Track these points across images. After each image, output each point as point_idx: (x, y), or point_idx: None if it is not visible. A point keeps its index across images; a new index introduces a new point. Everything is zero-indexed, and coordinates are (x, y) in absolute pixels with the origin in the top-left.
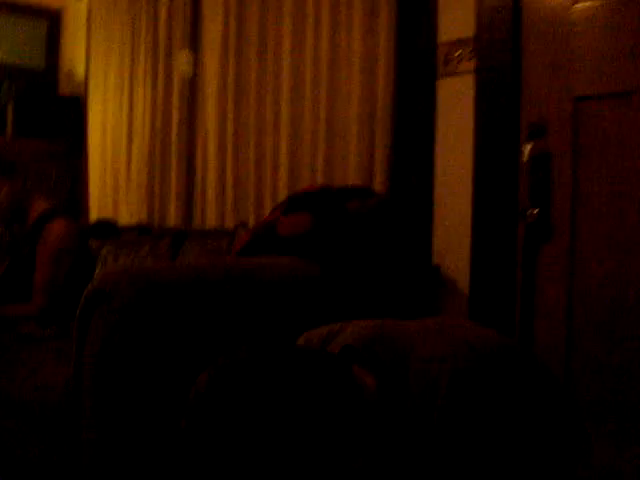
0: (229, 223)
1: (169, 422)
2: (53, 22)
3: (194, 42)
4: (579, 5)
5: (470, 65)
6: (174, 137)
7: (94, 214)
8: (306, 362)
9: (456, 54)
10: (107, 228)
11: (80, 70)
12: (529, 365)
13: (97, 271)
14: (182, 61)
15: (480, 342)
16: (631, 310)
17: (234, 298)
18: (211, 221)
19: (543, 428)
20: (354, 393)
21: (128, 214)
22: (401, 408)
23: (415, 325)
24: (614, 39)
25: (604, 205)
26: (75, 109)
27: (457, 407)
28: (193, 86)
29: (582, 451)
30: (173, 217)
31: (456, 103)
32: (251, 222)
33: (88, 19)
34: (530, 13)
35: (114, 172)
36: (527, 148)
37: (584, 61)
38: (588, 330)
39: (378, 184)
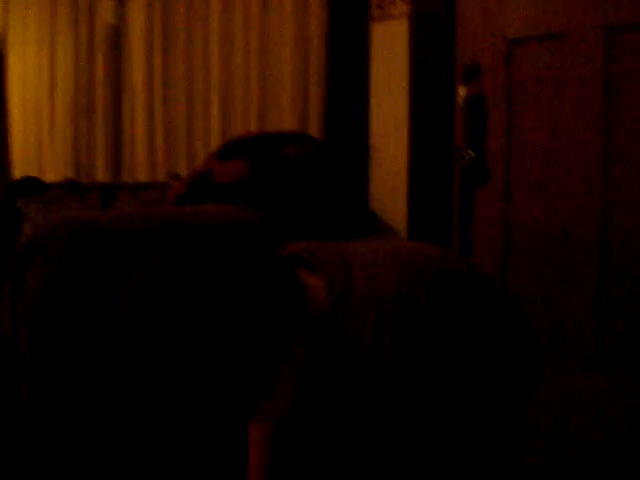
0: (160, 175)
1: (111, 374)
2: None
3: None
4: None
5: (404, 8)
6: (99, 90)
7: (18, 172)
8: (244, 259)
9: None
10: (32, 185)
11: None
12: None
13: (24, 231)
14: (105, 10)
15: (423, 251)
16: (558, 244)
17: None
18: (142, 173)
19: (501, 348)
20: (297, 290)
21: (54, 170)
22: (347, 309)
23: (356, 244)
24: None
25: (537, 147)
26: None
27: (404, 310)
28: (118, 37)
29: (538, 373)
30: (101, 171)
31: (390, 47)
32: (183, 173)
33: None
34: None
35: (37, 128)
36: (462, 91)
37: (517, 3)
38: (522, 267)
39: (313, 130)
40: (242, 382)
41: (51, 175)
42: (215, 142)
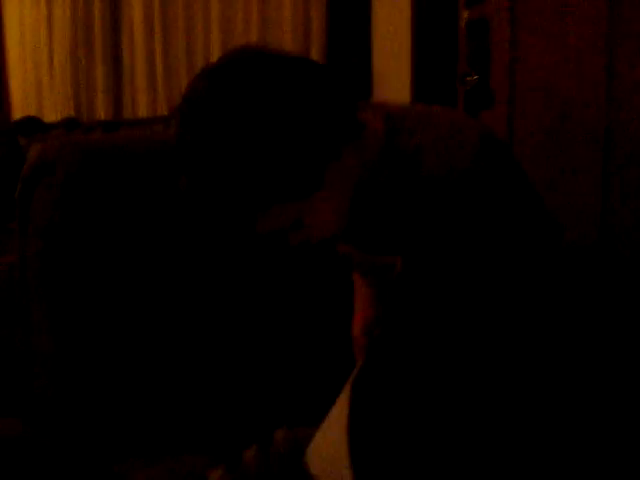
0: (161, 110)
1: (122, 298)
2: None
3: None
4: None
5: None
6: (97, 26)
7: (17, 113)
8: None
9: None
10: (33, 125)
11: None
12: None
13: None
14: None
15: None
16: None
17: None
18: (142, 110)
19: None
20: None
21: (54, 110)
22: None
23: None
24: None
25: (542, 69)
26: None
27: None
28: None
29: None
30: (102, 109)
31: None
32: None
33: None
34: None
35: (36, 67)
36: (465, 14)
37: None
38: None
39: (316, 52)
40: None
41: (51, 115)
42: None
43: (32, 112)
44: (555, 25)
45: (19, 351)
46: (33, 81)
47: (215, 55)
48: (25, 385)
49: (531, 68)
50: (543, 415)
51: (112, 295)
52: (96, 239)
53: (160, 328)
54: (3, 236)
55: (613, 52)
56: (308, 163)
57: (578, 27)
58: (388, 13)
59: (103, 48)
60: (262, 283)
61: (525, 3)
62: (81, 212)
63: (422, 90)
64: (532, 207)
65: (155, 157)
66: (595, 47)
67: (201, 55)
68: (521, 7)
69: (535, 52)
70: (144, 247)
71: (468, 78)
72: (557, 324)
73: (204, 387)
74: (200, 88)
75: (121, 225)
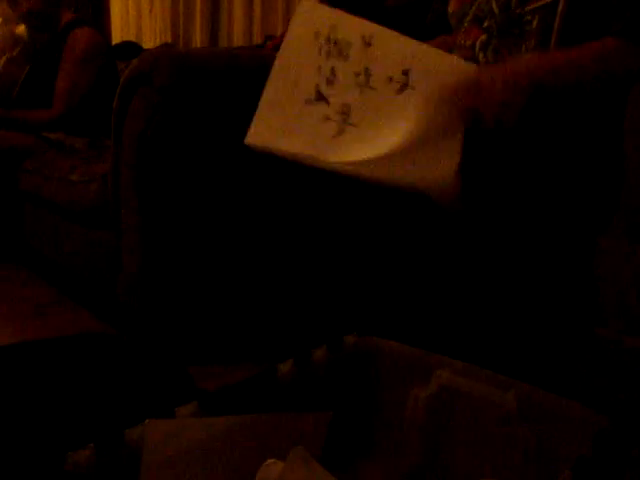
0: (257, 40)
1: (203, 204)
2: None
3: None
4: None
5: None
6: None
7: (117, 37)
8: None
9: None
10: (132, 49)
11: None
12: None
13: None
14: None
15: None
16: None
17: None
18: (238, 39)
19: None
20: None
21: (152, 36)
22: None
23: None
24: None
25: None
26: None
27: None
28: None
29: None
30: (199, 37)
31: None
32: (280, 34)
33: None
34: None
35: None
36: None
37: None
38: None
39: None
40: None
41: (150, 42)
42: None
43: (131, 38)
44: None
45: (110, 254)
46: (133, 7)
47: None
48: (112, 286)
49: None
50: None
51: (196, 201)
52: (185, 148)
53: (235, 230)
54: (101, 150)
55: None
56: None
57: None
58: None
59: None
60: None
61: None
62: (174, 122)
63: None
64: None
65: (246, 73)
66: None
67: None
68: None
69: None
70: (225, 158)
71: None
72: None
73: (276, 286)
74: None
75: (208, 136)
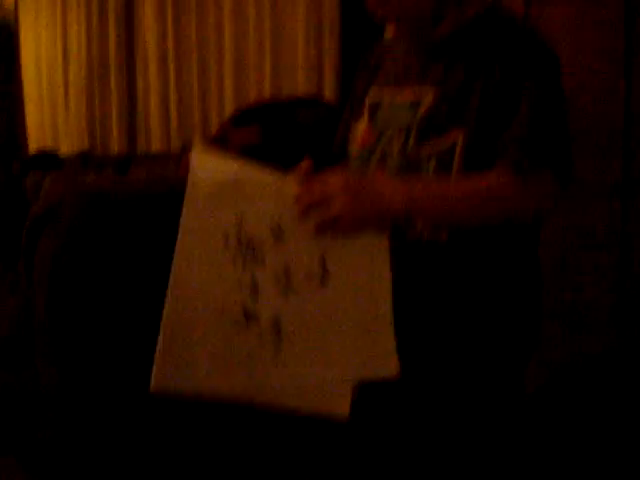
0: (175, 144)
1: (122, 338)
2: None
3: None
4: None
5: None
6: (112, 60)
7: (33, 144)
8: None
9: None
10: (48, 159)
11: None
12: None
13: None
14: None
15: None
16: None
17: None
18: (156, 144)
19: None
20: None
21: (69, 142)
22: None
23: None
24: None
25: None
26: (5, 37)
27: None
28: (130, 5)
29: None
30: (116, 142)
31: None
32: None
33: None
34: None
35: (51, 100)
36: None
37: None
38: None
39: (329, 94)
40: None
41: (66, 146)
42: (229, 110)
43: (48, 143)
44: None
45: (23, 390)
46: (49, 113)
47: (228, 91)
48: (27, 424)
49: None
50: None
51: (113, 337)
52: (98, 282)
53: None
54: (11, 276)
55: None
56: None
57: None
58: None
59: (117, 80)
60: None
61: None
62: (84, 257)
63: None
64: None
65: (158, 201)
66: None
67: (214, 92)
68: None
69: None
70: (143, 288)
71: None
72: None
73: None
74: None
75: (123, 267)
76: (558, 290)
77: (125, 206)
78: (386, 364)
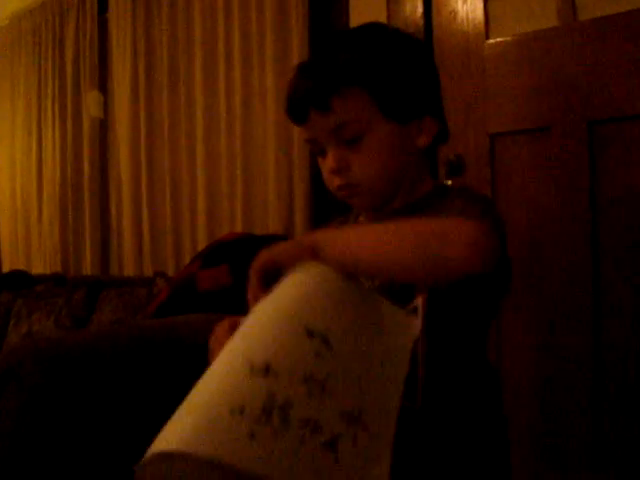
0: (147, 270)
1: None
2: None
3: (103, 83)
4: (491, 41)
5: None
6: (86, 183)
7: (6, 264)
8: None
9: None
10: (20, 279)
11: None
12: None
13: (10, 327)
14: (91, 103)
15: None
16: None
17: (147, 362)
18: (129, 269)
19: None
20: None
21: (42, 263)
22: None
23: None
24: (527, 75)
25: (524, 238)
26: None
27: None
28: (104, 129)
29: None
30: (89, 266)
31: None
32: (170, 270)
33: None
34: (443, 49)
35: (25, 220)
36: (447, 184)
37: (499, 99)
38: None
39: (300, 229)
40: None
41: (39, 268)
42: (202, 237)
43: (21, 264)
44: (534, 194)
45: None
46: (23, 234)
47: (200, 217)
48: None
49: (514, 239)
50: None
51: None
52: (62, 440)
53: None
54: None
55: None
56: (413, 91)
57: (559, 197)
58: None
59: (91, 204)
60: None
61: (505, 172)
62: (46, 416)
63: None
64: None
65: (120, 357)
66: (578, 217)
67: (187, 218)
68: (501, 176)
69: (517, 224)
70: (106, 444)
71: None
72: None
73: None
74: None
75: (83, 425)
76: None
77: (85, 363)
78: None
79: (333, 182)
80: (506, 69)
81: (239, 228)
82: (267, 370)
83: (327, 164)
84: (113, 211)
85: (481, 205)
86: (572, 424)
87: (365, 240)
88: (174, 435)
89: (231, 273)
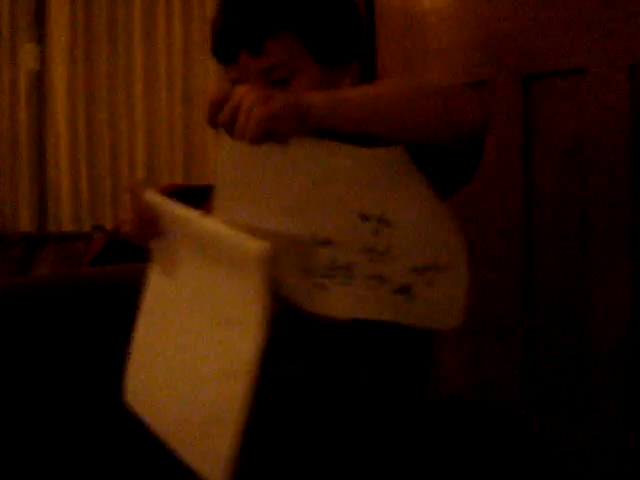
0: (86, 225)
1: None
2: None
3: (41, 36)
4: None
5: None
6: (22, 138)
7: None
8: None
9: None
10: None
11: None
12: None
13: None
14: (26, 56)
15: None
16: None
17: (80, 310)
18: (67, 224)
19: None
20: None
21: None
22: None
23: None
24: (466, 31)
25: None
26: None
27: None
28: (41, 83)
29: None
30: (26, 221)
31: None
32: (109, 224)
33: None
34: (382, 4)
35: None
36: None
37: (437, 54)
38: None
39: None
40: None
41: None
42: None
43: None
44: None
45: None
46: None
47: (139, 172)
48: None
49: None
50: None
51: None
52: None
53: None
54: None
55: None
56: (342, 36)
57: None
58: None
59: (27, 159)
60: None
61: None
62: None
63: None
64: None
65: (58, 300)
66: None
67: (125, 172)
68: None
69: None
70: (51, 391)
71: None
72: None
73: None
74: None
75: (28, 370)
76: None
77: (22, 306)
78: None
79: None
80: (446, 24)
81: (179, 180)
82: (327, 242)
83: None
84: (50, 166)
85: None
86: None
87: (383, 100)
88: None
89: None
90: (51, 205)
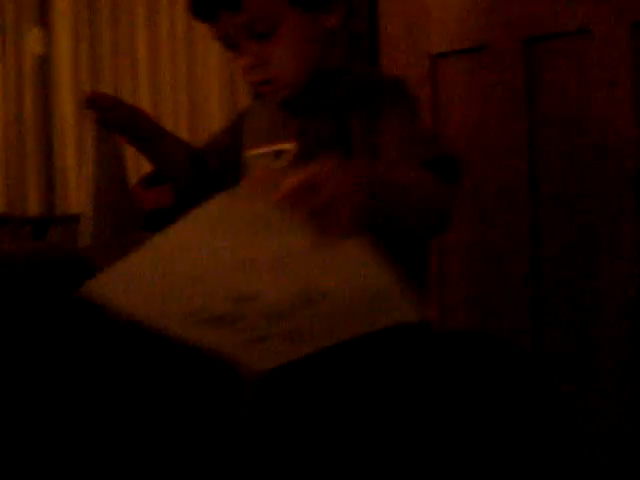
0: None
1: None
2: None
3: (45, 19)
4: None
5: None
6: (29, 121)
7: None
8: None
9: None
10: None
11: None
12: None
13: None
14: (32, 40)
15: None
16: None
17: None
18: (75, 206)
19: None
20: None
21: None
22: None
23: None
24: None
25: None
26: None
27: None
28: (46, 66)
29: None
30: (34, 204)
31: None
32: None
33: None
34: None
35: None
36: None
37: (439, 18)
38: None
39: None
40: None
41: None
42: (147, 169)
43: None
44: (474, 115)
45: None
46: None
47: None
48: None
49: None
50: None
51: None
52: None
53: None
54: None
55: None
56: None
57: (499, 116)
58: None
59: (34, 143)
60: None
61: (447, 93)
62: None
63: None
64: None
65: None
66: (517, 135)
67: (131, 149)
68: (443, 97)
69: (457, 142)
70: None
71: None
72: None
73: None
74: None
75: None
76: None
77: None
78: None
79: (252, 78)
80: None
81: None
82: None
83: (244, 61)
84: (57, 148)
85: (422, 133)
86: None
87: (405, 190)
88: None
89: (173, 194)
90: (58, 187)
